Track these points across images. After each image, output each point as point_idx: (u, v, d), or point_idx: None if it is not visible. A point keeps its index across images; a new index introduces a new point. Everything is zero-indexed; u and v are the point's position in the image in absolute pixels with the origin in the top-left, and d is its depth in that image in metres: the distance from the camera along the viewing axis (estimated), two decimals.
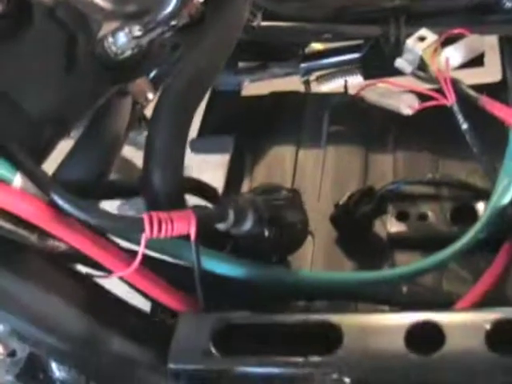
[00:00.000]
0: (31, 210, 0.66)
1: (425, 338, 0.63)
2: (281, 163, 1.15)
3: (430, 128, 1.10)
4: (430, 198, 1.02)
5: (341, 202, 1.00)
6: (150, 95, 0.91)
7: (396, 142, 1.14)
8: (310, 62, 1.28)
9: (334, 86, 1.28)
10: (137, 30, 0.76)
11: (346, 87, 1.22)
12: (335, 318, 0.67)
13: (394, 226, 0.99)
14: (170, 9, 0.74)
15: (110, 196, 0.92)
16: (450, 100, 0.91)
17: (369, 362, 0.64)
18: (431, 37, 0.96)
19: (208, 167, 1.52)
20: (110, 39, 0.77)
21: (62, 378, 0.82)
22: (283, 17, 1.12)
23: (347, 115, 1.19)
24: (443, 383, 0.62)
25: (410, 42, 0.96)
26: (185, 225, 0.68)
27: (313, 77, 1.30)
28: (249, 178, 1.12)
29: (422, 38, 0.96)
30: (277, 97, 1.26)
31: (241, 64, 1.29)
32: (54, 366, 0.82)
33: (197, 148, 1.23)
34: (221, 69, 0.86)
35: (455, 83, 0.92)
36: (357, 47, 1.22)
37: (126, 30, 0.76)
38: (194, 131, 1.24)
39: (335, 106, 1.21)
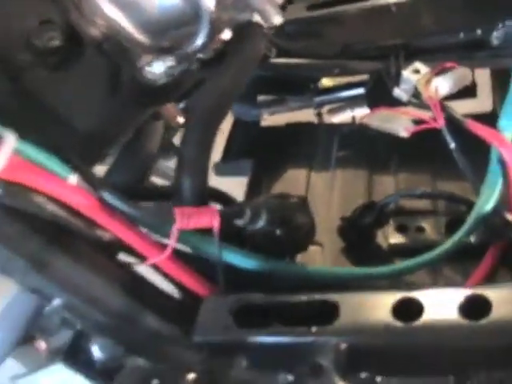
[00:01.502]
0: (84, 202, 0.80)
1: (407, 310, 0.76)
2: (294, 184, 1.29)
3: (429, 151, 1.22)
4: (426, 212, 1.15)
5: (346, 215, 1.14)
6: (180, 119, 1.05)
7: (398, 164, 1.27)
8: (322, 96, 1.41)
9: (343, 117, 1.41)
10: (170, 61, 0.91)
11: (353, 118, 1.36)
12: (334, 297, 0.79)
13: (394, 238, 1.11)
14: (199, 43, 0.89)
15: (147, 198, 1.06)
16: (440, 123, 1.04)
17: (361, 329, 0.76)
18: (424, 69, 1.09)
19: None
20: (149, 68, 0.92)
21: (99, 358, 0.96)
22: (295, 54, 1.27)
23: (354, 142, 1.33)
24: (422, 346, 0.75)
25: (406, 73, 1.09)
26: (209, 218, 0.81)
27: (325, 109, 1.43)
28: None
29: (416, 70, 1.10)
30: (292, 127, 1.41)
31: (260, 97, 1.44)
32: (93, 348, 0.96)
33: (220, 171, 1.37)
34: (240, 92, 1.00)
35: (444, 108, 1.04)
36: (363, 82, 1.35)
37: (162, 60, 0.91)
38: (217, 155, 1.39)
39: (344, 134, 1.36)
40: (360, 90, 1.37)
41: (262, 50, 1.03)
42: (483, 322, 0.72)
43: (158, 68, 0.91)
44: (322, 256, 1.14)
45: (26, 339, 1.09)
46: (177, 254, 0.88)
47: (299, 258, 1.12)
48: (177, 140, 1.28)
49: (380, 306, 0.77)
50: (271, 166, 1.32)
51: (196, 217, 0.80)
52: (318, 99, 1.41)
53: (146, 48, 0.93)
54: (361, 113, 1.38)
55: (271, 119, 1.44)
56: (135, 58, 0.93)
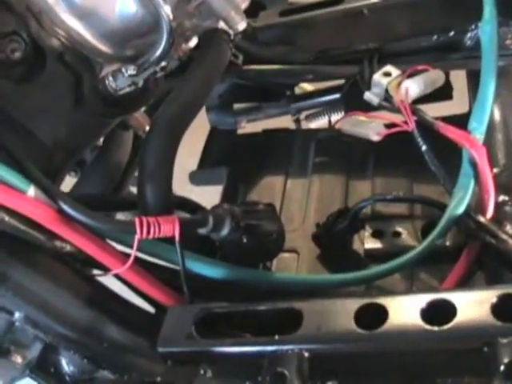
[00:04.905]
0: (42, 214, 0.79)
1: (371, 316, 0.74)
2: (271, 191, 1.27)
3: (406, 154, 1.21)
4: (403, 217, 1.13)
5: (321, 222, 1.13)
6: (148, 128, 1.04)
7: (374, 169, 1.26)
8: (300, 102, 1.39)
9: (321, 122, 1.40)
10: (132, 70, 0.90)
11: (330, 123, 1.35)
12: (298, 304, 0.78)
13: (369, 243, 1.10)
14: (159, 52, 0.88)
15: (121, 208, 1.05)
16: (411, 126, 1.03)
17: (323, 337, 0.75)
18: (395, 72, 1.08)
19: None
20: (110, 78, 0.91)
21: (70, 372, 0.95)
22: (269, 60, 1.26)
23: (331, 147, 1.32)
24: (386, 353, 0.73)
25: (377, 76, 1.08)
26: (170, 228, 0.80)
27: (302, 115, 1.42)
28: None
29: (387, 74, 1.09)
30: (268, 133, 1.40)
31: (237, 105, 1.43)
32: (63, 361, 0.95)
33: (195, 180, 1.36)
34: (205, 101, 0.99)
35: (415, 111, 1.03)
36: (339, 87, 1.34)
37: (123, 70, 0.90)
38: (194, 165, 1.38)
39: (320, 140, 1.35)
40: (336, 95, 1.36)
41: (228, 57, 1.02)
42: (446, 327, 0.70)
43: (119, 78, 0.90)
44: (297, 263, 1.13)
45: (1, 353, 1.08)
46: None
47: (275, 265, 1.12)
48: None
49: (343, 313, 0.75)
50: (247, 174, 1.31)
51: (156, 226, 0.79)
52: (295, 105, 1.39)
53: (109, 58, 0.93)
54: (337, 117, 1.38)
55: (249, 127, 1.43)
56: (97, 69, 0.92)
